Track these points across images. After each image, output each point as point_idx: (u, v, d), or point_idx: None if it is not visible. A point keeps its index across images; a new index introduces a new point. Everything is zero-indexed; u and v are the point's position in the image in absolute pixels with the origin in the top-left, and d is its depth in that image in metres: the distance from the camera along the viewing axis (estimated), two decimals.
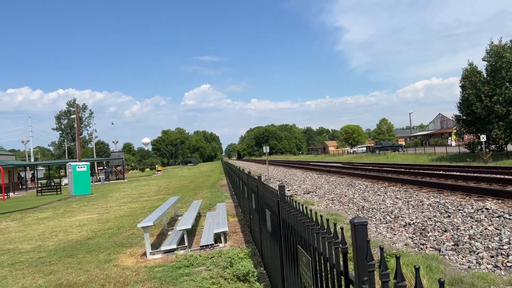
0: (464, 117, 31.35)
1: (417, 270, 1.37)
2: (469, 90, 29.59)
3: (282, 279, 4.22)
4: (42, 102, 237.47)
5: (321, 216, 2.48)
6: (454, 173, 17.33)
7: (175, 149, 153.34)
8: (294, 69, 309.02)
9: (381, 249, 1.61)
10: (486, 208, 8.61)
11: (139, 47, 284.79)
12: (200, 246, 7.79)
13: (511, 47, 28.04)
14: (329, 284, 2.36)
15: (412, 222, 8.88)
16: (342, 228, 2.05)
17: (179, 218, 12.15)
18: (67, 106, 79.39)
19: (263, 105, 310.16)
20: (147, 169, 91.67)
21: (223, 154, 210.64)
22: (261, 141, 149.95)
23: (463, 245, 6.91)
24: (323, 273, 2.49)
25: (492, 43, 29.36)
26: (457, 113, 32.58)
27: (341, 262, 2.13)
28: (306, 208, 2.83)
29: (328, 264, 2.35)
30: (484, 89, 28.53)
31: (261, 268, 6.15)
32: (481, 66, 30.98)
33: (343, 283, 2.09)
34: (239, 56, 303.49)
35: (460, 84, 31.58)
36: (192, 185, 28.60)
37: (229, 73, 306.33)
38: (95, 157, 66.31)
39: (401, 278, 1.46)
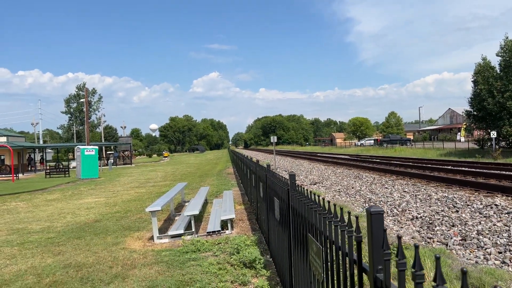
0: (475, 113, 30.98)
1: (437, 259, 1.34)
2: (481, 85, 29.18)
3: (290, 267, 4.23)
4: (51, 85, 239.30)
5: (335, 205, 2.47)
6: (463, 168, 17.18)
7: (182, 136, 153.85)
8: (304, 60, 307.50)
9: (399, 238, 1.59)
10: (496, 204, 8.54)
11: (150, 33, 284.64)
12: (207, 232, 7.84)
13: None
14: (341, 273, 2.36)
15: (419, 215, 8.84)
16: (357, 217, 2.04)
17: (186, 204, 12.22)
18: (77, 90, 79.89)
19: (271, 95, 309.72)
20: (154, 155, 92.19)
21: (230, 142, 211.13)
22: (268, 131, 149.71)
23: (471, 240, 6.87)
24: (334, 262, 2.49)
25: (507, 38, 28.84)
26: (468, 108, 32.19)
27: (354, 251, 2.13)
28: (318, 197, 2.82)
29: (340, 253, 2.34)
30: (497, 85, 28.13)
31: (267, 256, 6.17)
32: (495, 61, 30.55)
33: (355, 271, 2.08)
34: (248, 45, 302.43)
35: (473, 79, 31.14)
36: (199, 172, 28.72)
37: (238, 62, 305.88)
38: (103, 141, 66.75)
39: (420, 267, 1.44)
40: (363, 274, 1.99)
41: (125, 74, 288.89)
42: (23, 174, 34.91)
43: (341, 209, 2.30)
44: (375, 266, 1.83)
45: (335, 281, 2.46)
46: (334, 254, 2.47)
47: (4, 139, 35.70)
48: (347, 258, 2.25)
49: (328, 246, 2.61)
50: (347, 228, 2.17)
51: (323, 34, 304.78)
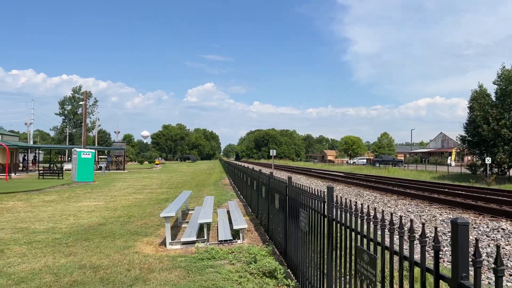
0: (470, 138, 31.53)
1: (498, 247, 1.60)
2: (477, 112, 29.79)
3: (321, 278, 4.30)
4: (45, 86, 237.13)
5: (391, 214, 2.57)
6: (461, 192, 17.43)
7: (175, 144, 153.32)
8: (299, 75, 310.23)
9: (498, 247, 1.70)
10: (502, 228, 8.70)
11: (146, 40, 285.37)
12: (219, 241, 7.86)
13: None
14: (404, 281, 2.46)
15: (427, 236, 8.97)
16: (436, 228, 2.15)
17: (190, 212, 12.22)
18: (72, 92, 79.62)
19: (265, 109, 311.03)
20: (146, 162, 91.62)
21: (221, 153, 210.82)
22: (261, 144, 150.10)
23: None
24: (393, 270, 2.59)
25: (504, 67, 29.60)
26: (462, 133, 32.77)
27: (417, 258, 2.23)
28: (375, 209, 2.92)
29: (407, 262, 2.44)
30: (492, 112, 28.74)
31: (285, 267, 6.22)
32: (491, 89, 31.28)
33: (430, 279, 2.18)
34: (244, 57, 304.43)
35: (469, 105, 31.78)
36: (194, 182, 28.64)
37: (233, 74, 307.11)
38: (96, 145, 66.30)
39: (501, 263, 1.58)
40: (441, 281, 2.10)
41: (119, 80, 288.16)
42: (15, 174, 34.45)
43: (412, 220, 2.41)
44: (460, 273, 1.94)
45: None
46: (391, 263, 2.58)
47: None
48: (415, 267, 2.36)
49: (387, 256, 2.71)
50: (421, 238, 2.28)
51: (320, 52, 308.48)
